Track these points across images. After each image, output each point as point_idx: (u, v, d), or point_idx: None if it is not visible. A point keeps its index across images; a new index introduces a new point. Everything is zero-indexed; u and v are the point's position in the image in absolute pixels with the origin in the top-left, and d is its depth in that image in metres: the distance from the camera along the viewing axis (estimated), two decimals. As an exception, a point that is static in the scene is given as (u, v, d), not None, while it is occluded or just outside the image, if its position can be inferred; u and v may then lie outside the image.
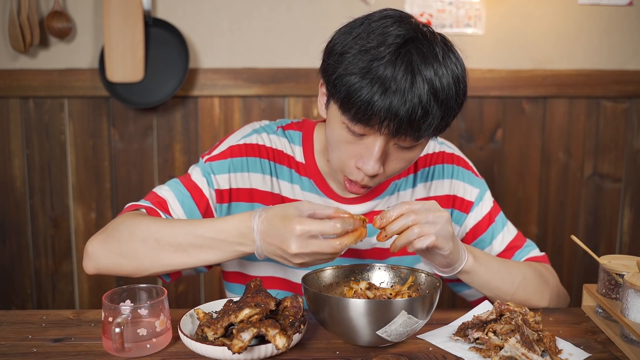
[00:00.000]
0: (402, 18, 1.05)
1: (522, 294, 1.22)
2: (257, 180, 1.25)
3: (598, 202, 2.37)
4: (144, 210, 1.19)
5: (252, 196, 1.25)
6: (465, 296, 1.40)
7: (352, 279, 1.16)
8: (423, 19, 2.20)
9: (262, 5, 2.20)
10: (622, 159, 2.35)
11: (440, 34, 1.07)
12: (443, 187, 1.32)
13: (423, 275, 1.13)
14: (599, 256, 1.18)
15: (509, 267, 1.22)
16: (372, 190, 1.26)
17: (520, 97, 2.29)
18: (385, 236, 1.05)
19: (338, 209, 1.02)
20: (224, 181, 1.23)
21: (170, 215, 1.19)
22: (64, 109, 2.23)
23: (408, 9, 2.20)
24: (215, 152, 1.26)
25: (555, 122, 2.32)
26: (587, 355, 1.02)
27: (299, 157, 1.27)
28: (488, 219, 1.33)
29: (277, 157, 1.27)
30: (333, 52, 1.07)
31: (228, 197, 1.24)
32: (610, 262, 1.15)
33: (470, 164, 1.36)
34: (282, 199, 1.26)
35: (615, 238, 2.40)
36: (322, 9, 2.20)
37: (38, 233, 2.29)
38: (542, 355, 0.98)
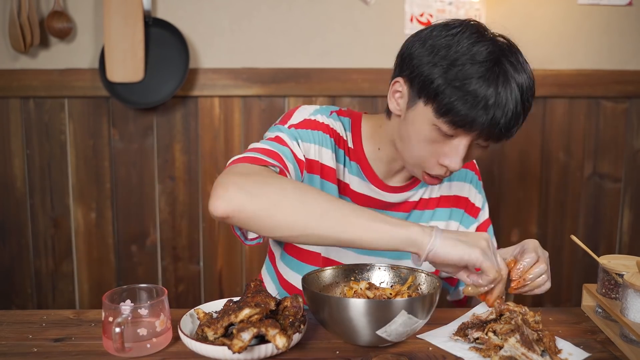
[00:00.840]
0: (484, 35, 1.11)
1: None
2: (325, 155, 1.26)
3: (598, 202, 2.37)
4: (277, 170, 1.11)
5: (321, 170, 1.26)
6: (451, 295, 1.50)
7: (352, 279, 1.16)
8: (423, 19, 2.21)
9: (262, 5, 2.20)
10: (622, 159, 2.35)
11: (508, 39, 1.14)
12: (462, 189, 1.40)
13: (423, 275, 1.13)
14: (598, 256, 1.18)
15: None
16: (410, 182, 1.34)
17: (520, 97, 2.29)
18: (517, 285, 1.12)
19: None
20: (306, 149, 1.23)
21: (290, 174, 1.14)
22: (64, 109, 2.24)
23: (408, 8, 2.20)
24: (294, 121, 1.24)
25: (555, 122, 2.32)
26: (586, 355, 1.02)
27: (349, 142, 1.31)
28: (486, 225, 1.43)
29: (336, 138, 1.29)
30: (422, 60, 1.11)
31: (308, 166, 1.23)
32: (610, 262, 1.15)
33: (480, 176, 1.46)
34: (337, 180, 1.28)
35: (615, 238, 2.40)
36: (322, 9, 2.20)
37: (38, 233, 2.29)
38: (542, 355, 0.98)
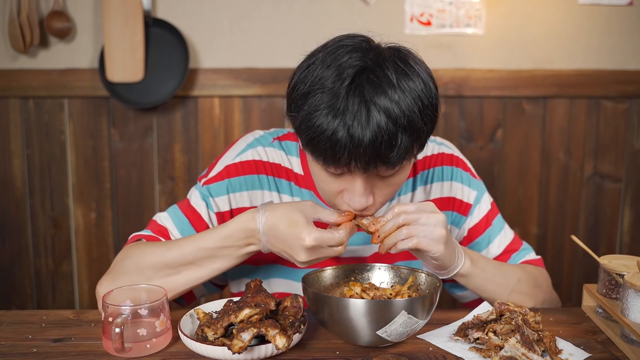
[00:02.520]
0: (355, 46, 1.01)
1: (516, 297, 1.22)
2: (257, 197, 1.24)
3: (598, 202, 2.37)
4: (144, 240, 1.19)
5: None
6: (458, 298, 1.40)
7: (352, 278, 1.16)
8: (423, 19, 2.21)
9: (262, 5, 2.20)
10: (622, 159, 2.35)
11: (396, 49, 1.03)
12: (443, 189, 1.31)
13: (423, 275, 1.13)
14: (599, 256, 1.18)
15: (504, 271, 1.23)
16: None
17: (520, 97, 2.29)
18: (378, 237, 1.06)
19: (340, 211, 1.05)
20: (223, 203, 1.22)
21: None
22: (64, 109, 2.23)
23: (408, 9, 2.20)
24: (212, 173, 1.24)
25: (556, 122, 2.32)
26: (587, 355, 1.02)
27: (297, 168, 1.25)
28: (485, 222, 1.32)
29: (275, 170, 1.25)
30: (294, 97, 1.05)
31: (230, 218, 1.21)
32: (611, 262, 1.15)
33: (469, 165, 1.35)
34: None
35: (615, 238, 2.40)
36: (322, 9, 2.20)
37: (38, 233, 2.29)
38: (542, 355, 0.98)
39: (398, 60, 1.00)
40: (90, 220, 2.29)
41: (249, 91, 2.23)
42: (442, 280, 1.31)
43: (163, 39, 2.16)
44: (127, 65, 2.12)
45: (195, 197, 1.23)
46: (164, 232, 1.20)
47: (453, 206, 1.31)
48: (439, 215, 1.05)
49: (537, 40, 2.25)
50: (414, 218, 1.04)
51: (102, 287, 1.12)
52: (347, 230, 1.03)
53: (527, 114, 2.31)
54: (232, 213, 1.22)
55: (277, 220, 1.03)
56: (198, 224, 1.21)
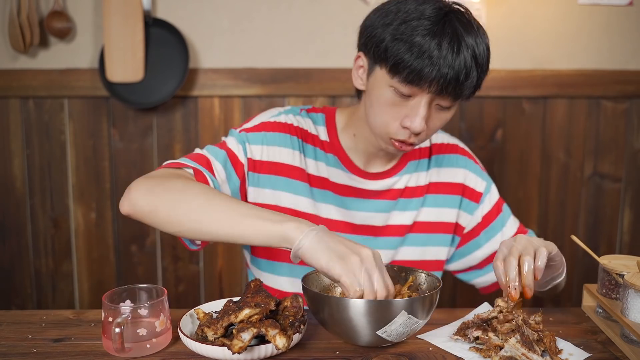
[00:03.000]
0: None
1: (562, 281, 1.31)
2: (287, 154, 1.31)
3: (598, 202, 2.37)
4: (190, 171, 1.19)
5: (280, 170, 1.30)
6: (477, 284, 1.48)
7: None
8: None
9: (262, 5, 2.20)
10: (622, 159, 2.35)
11: (466, 8, 1.19)
12: (455, 174, 1.41)
13: (423, 275, 1.13)
14: (599, 256, 1.18)
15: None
16: (391, 168, 1.36)
17: (520, 97, 2.29)
18: (515, 289, 1.05)
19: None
20: (257, 151, 1.29)
21: (214, 176, 1.22)
22: (64, 109, 2.23)
23: (408, 9, 2.20)
24: (248, 125, 1.32)
25: (555, 122, 2.32)
26: (587, 355, 1.02)
27: (323, 136, 1.36)
28: (497, 208, 1.42)
29: (303, 135, 1.34)
30: (376, 25, 1.17)
31: (260, 167, 1.29)
32: (611, 262, 1.15)
33: (479, 161, 1.46)
34: (307, 175, 1.32)
35: (615, 238, 2.40)
36: (322, 9, 2.20)
37: (38, 233, 2.29)
38: (542, 355, 0.98)
39: (472, 17, 1.18)
40: (90, 220, 2.29)
41: (249, 91, 2.23)
42: (459, 270, 1.45)
43: (163, 39, 2.16)
44: (127, 65, 2.12)
45: (231, 140, 1.29)
46: (208, 164, 1.23)
47: (463, 192, 1.41)
48: (524, 237, 1.13)
49: (537, 40, 2.25)
50: (521, 248, 1.09)
51: (137, 186, 1.12)
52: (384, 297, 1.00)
53: (527, 114, 2.31)
54: (262, 164, 1.29)
55: (336, 234, 1.02)
56: (235, 163, 1.27)
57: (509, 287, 1.05)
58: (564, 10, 2.23)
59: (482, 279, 1.46)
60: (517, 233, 1.42)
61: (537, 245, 1.10)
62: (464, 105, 2.28)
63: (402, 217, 1.37)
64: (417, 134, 1.20)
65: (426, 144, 1.41)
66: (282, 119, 1.33)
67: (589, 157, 2.34)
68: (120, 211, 1.14)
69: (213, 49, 2.21)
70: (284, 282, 1.35)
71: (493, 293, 1.44)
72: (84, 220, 2.28)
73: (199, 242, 1.18)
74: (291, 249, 1.00)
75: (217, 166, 1.24)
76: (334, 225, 1.32)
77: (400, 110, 1.18)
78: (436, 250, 1.39)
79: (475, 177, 1.42)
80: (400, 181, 1.37)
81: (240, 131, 1.31)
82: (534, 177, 2.35)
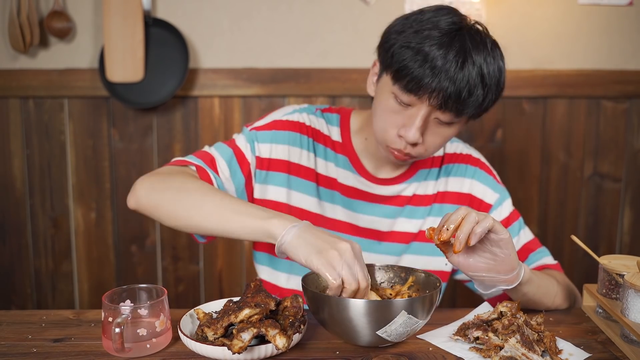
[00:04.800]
0: (453, 12, 1.16)
1: (558, 300, 1.24)
2: (295, 153, 1.32)
3: (598, 202, 2.37)
4: (193, 168, 1.24)
5: (289, 168, 1.31)
6: (483, 295, 1.39)
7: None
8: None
9: (262, 5, 2.20)
10: (622, 159, 2.35)
11: (488, 32, 1.19)
12: (462, 184, 1.38)
13: (423, 275, 1.13)
14: (599, 256, 1.18)
15: (546, 280, 1.23)
16: (401, 174, 1.35)
17: (520, 97, 2.29)
18: (447, 229, 1.02)
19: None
20: (265, 150, 1.30)
21: (217, 173, 1.24)
22: (64, 109, 2.23)
23: (408, 8, 2.20)
24: (260, 123, 1.34)
25: (555, 122, 2.32)
26: (587, 355, 1.02)
27: (336, 136, 1.36)
28: (505, 223, 1.36)
29: (315, 135, 1.34)
30: (391, 32, 1.18)
31: (267, 165, 1.31)
32: (611, 262, 1.15)
33: (494, 172, 1.42)
34: (316, 175, 1.33)
35: (615, 238, 2.40)
36: (322, 9, 2.20)
37: (38, 233, 2.29)
38: (542, 355, 0.98)
39: (492, 40, 1.18)
40: (90, 220, 2.29)
41: (249, 91, 2.23)
42: (464, 281, 1.39)
43: (163, 39, 2.16)
44: (127, 65, 2.12)
45: (240, 139, 1.31)
46: (212, 161, 1.26)
47: (470, 203, 1.37)
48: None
49: (537, 40, 2.25)
50: (473, 211, 1.03)
51: (142, 182, 1.18)
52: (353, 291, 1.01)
53: (527, 114, 2.31)
54: (270, 162, 1.30)
55: (318, 229, 1.04)
56: (242, 161, 1.29)
57: (441, 229, 1.03)
58: (564, 10, 2.24)
59: (489, 291, 1.41)
60: (526, 245, 1.36)
61: (490, 221, 1.03)
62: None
63: (408, 224, 1.35)
64: (413, 145, 1.19)
65: (439, 153, 1.39)
66: (295, 117, 1.34)
67: (589, 157, 2.34)
68: (126, 208, 1.18)
69: (213, 49, 2.21)
70: (282, 277, 1.35)
71: (496, 297, 1.40)
72: (83, 220, 2.28)
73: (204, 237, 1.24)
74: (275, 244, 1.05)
75: (222, 164, 1.26)
76: (338, 226, 1.33)
77: (398, 119, 1.18)
78: (441, 261, 1.35)
79: (484, 188, 1.37)
80: (408, 188, 1.36)
81: (251, 129, 1.32)
82: (534, 177, 2.35)
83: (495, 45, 1.17)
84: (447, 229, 1.02)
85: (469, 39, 1.12)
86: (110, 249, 2.30)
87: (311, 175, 1.32)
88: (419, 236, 1.36)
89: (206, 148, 1.30)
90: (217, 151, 1.28)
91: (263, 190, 1.31)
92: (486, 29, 1.19)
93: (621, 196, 2.37)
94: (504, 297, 1.32)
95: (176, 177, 1.18)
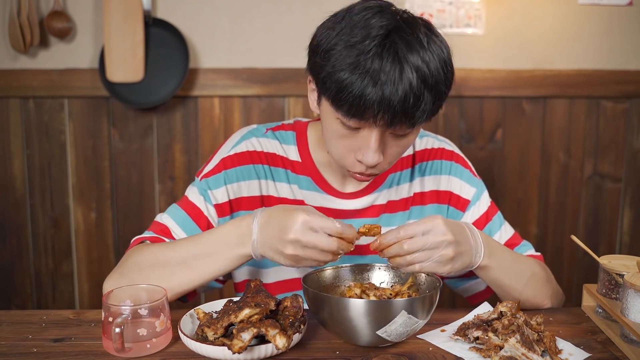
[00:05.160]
0: (382, 8, 1.05)
1: (528, 293, 1.21)
2: (254, 187, 1.25)
3: (598, 202, 2.37)
4: (148, 242, 1.20)
5: (252, 203, 1.25)
6: (462, 292, 1.39)
7: (352, 278, 1.16)
8: (423, 19, 2.21)
9: (262, 5, 2.20)
10: (622, 159, 2.35)
11: (420, 18, 1.08)
12: (439, 182, 1.32)
13: (423, 275, 1.13)
14: (599, 256, 1.18)
15: (520, 263, 1.21)
16: (369, 184, 1.28)
17: (520, 97, 2.29)
18: (379, 244, 1.05)
19: (344, 225, 1.02)
20: (221, 195, 1.23)
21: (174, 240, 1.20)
22: (64, 109, 2.23)
23: (408, 8, 2.20)
24: (208, 167, 1.26)
25: (555, 122, 2.32)
26: (587, 355, 1.02)
27: (294, 156, 1.28)
28: (485, 218, 1.32)
29: (270, 160, 1.27)
30: (318, 50, 1.07)
31: (229, 209, 1.24)
32: (610, 262, 1.15)
33: (469, 163, 1.36)
34: (280, 202, 1.26)
35: (615, 238, 2.40)
36: (322, 9, 2.17)
37: (38, 233, 2.29)
38: (542, 355, 0.98)
39: (424, 27, 1.05)
40: (90, 220, 2.29)
41: (249, 91, 2.23)
42: (444, 277, 1.32)
43: (163, 39, 2.16)
44: (127, 65, 2.12)
45: (193, 192, 1.24)
46: (165, 231, 1.21)
47: (449, 200, 1.32)
48: (448, 237, 1.03)
49: (537, 40, 2.25)
50: (418, 244, 1.02)
51: (108, 285, 1.13)
52: (343, 226, 1.01)
53: (527, 114, 2.31)
54: (231, 204, 1.24)
55: (273, 210, 1.04)
56: (198, 218, 1.22)
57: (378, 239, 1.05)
58: (564, 11, 2.24)
59: (465, 287, 1.37)
60: (508, 242, 1.32)
61: (431, 251, 1.02)
62: (464, 105, 2.28)
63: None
64: (373, 166, 1.11)
65: (409, 151, 1.32)
66: (243, 147, 1.26)
67: (589, 157, 2.34)
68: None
69: (213, 49, 2.21)
70: (269, 275, 1.31)
71: (489, 299, 1.39)
72: (84, 220, 2.28)
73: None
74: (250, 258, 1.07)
75: (176, 229, 1.21)
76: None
77: (352, 143, 1.09)
78: None
79: (461, 184, 1.32)
80: (380, 196, 1.28)
81: (201, 178, 1.25)
82: (534, 178, 2.35)
83: (431, 34, 1.04)
84: (378, 243, 1.04)
85: (400, 41, 1.00)
86: (110, 249, 2.30)
87: (275, 203, 1.25)
88: None
89: (158, 218, 1.24)
90: (171, 217, 1.22)
91: None
92: (420, 19, 1.07)
93: (621, 196, 2.37)
94: (481, 296, 1.33)
95: (131, 260, 1.14)
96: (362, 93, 0.99)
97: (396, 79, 0.99)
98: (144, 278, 1.11)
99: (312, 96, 1.16)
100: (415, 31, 1.03)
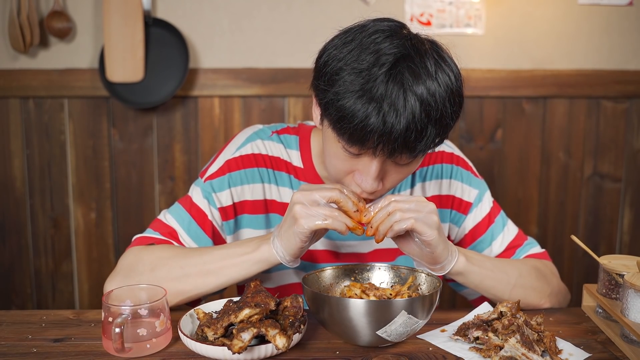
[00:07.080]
0: (393, 32, 1.03)
1: (519, 292, 1.20)
2: (257, 190, 1.25)
3: (598, 202, 2.37)
4: (156, 245, 1.18)
5: (255, 207, 1.25)
6: (465, 295, 1.39)
7: (352, 278, 1.16)
8: (423, 19, 2.21)
9: (262, 5, 2.20)
10: (622, 159, 2.35)
11: (432, 42, 1.04)
12: (441, 187, 1.31)
13: (423, 275, 1.13)
14: (599, 256, 1.18)
15: (504, 266, 1.21)
16: None
17: (520, 97, 2.29)
18: (371, 227, 1.05)
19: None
20: (225, 198, 1.23)
21: (181, 245, 1.20)
22: (64, 109, 2.23)
23: (408, 9, 2.20)
24: (213, 168, 1.25)
25: (555, 122, 2.32)
26: (587, 355, 1.02)
27: (297, 161, 1.27)
28: (487, 220, 1.32)
29: (274, 164, 1.26)
30: (325, 72, 1.03)
31: (233, 212, 1.24)
32: (610, 262, 1.15)
33: (470, 164, 1.36)
34: (283, 206, 1.26)
35: (615, 238, 2.40)
36: (322, 9, 2.20)
37: (38, 233, 2.29)
38: (542, 355, 0.98)
39: (435, 53, 1.02)
40: (90, 220, 2.29)
41: (249, 91, 2.23)
42: (449, 278, 1.31)
43: (163, 39, 2.16)
44: (127, 65, 2.12)
45: (197, 194, 1.23)
46: (173, 234, 1.20)
47: (452, 204, 1.32)
48: (430, 204, 1.05)
49: (537, 40, 2.25)
50: (404, 204, 1.03)
51: (112, 286, 1.12)
52: (343, 193, 1.04)
53: (527, 114, 2.31)
54: (235, 207, 1.24)
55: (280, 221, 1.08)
56: (203, 223, 1.21)
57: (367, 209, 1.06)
58: (564, 10, 2.24)
59: (469, 290, 1.34)
60: (511, 243, 1.32)
61: (415, 215, 1.02)
62: (464, 105, 2.27)
63: (389, 240, 1.17)
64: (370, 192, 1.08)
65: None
66: (248, 149, 1.25)
67: (589, 157, 2.34)
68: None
69: (213, 49, 2.22)
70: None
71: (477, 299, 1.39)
72: (84, 220, 2.28)
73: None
74: (281, 263, 1.08)
75: (183, 234, 1.20)
76: (319, 256, 1.27)
77: (352, 165, 1.06)
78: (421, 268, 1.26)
79: (463, 187, 1.31)
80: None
81: (205, 180, 1.24)
82: (534, 177, 2.35)
83: (440, 61, 1.01)
84: (370, 211, 1.05)
85: (407, 70, 0.97)
86: (110, 249, 2.30)
87: (278, 207, 1.25)
88: (402, 253, 1.29)
89: (162, 217, 1.23)
90: (176, 220, 1.21)
91: (235, 237, 1.26)
92: (430, 43, 1.03)
93: (621, 196, 2.37)
94: (485, 299, 1.30)
95: (143, 264, 1.13)
96: (364, 123, 0.97)
97: (399, 109, 0.96)
98: (157, 281, 1.10)
99: (316, 112, 1.12)
100: (424, 59, 0.99)
